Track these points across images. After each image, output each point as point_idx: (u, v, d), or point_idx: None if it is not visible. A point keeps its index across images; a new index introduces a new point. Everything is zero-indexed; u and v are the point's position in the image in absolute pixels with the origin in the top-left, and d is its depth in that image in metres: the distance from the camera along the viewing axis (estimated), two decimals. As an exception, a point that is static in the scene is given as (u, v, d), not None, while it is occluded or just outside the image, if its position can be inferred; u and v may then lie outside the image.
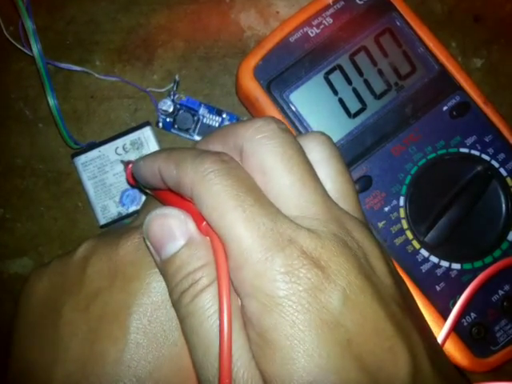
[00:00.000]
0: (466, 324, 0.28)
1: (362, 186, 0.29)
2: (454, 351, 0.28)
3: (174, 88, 0.35)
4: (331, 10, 0.30)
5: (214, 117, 0.34)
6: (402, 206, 0.29)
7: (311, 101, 0.30)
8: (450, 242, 0.28)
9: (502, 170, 0.29)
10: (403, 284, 0.19)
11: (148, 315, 0.20)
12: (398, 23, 0.31)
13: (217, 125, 0.34)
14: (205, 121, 0.34)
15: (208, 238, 0.18)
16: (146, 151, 0.33)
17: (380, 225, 0.29)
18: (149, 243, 0.19)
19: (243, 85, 0.30)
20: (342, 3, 0.30)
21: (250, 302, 0.16)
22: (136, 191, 0.33)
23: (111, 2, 0.36)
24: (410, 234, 0.29)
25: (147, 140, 0.33)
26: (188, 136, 0.35)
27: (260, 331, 0.16)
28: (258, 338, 0.16)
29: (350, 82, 0.30)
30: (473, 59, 0.36)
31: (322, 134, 0.20)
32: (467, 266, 0.28)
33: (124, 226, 0.26)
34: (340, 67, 0.30)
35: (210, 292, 0.17)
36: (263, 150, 0.18)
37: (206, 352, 0.16)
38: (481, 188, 0.29)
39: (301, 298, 0.15)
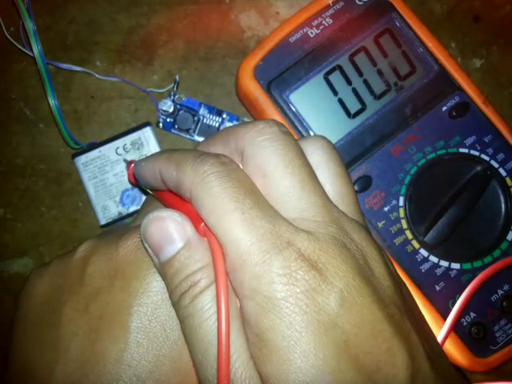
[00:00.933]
0: (465, 324, 0.28)
1: (362, 186, 0.29)
2: (454, 351, 0.28)
3: (175, 88, 0.35)
4: (331, 11, 0.30)
5: (214, 117, 0.35)
6: (401, 206, 0.29)
7: (311, 101, 0.30)
8: (449, 241, 0.28)
9: (501, 170, 0.29)
10: (403, 285, 0.19)
11: (148, 315, 0.20)
12: (398, 24, 0.31)
13: (217, 125, 0.35)
14: (205, 121, 0.35)
15: (206, 239, 0.18)
16: (146, 151, 0.33)
17: (379, 225, 0.29)
18: (147, 245, 0.19)
19: (243, 85, 0.30)
20: (342, 4, 0.31)
21: (247, 303, 0.16)
22: (136, 191, 0.33)
23: (111, 3, 0.36)
24: (409, 234, 0.29)
25: (147, 140, 0.33)
26: (188, 136, 0.35)
27: (258, 332, 0.16)
28: (256, 339, 0.16)
29: (349, 83, 0.30)
30: (472, 59, 0.36)
31: (323, 137, 0.21)
32: (466, 265, 0.28)
33: (124, 225, 0.26)
34: (340, 67, 0.30)
35: (209, 294, 0.17)
36: (264, 152, 0.18)
37: (205, 353, 0.17)
38: (480, 188, 0.29)
39: (298, 300, 0.15)
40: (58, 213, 0.35)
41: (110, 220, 0.33)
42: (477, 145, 0.30)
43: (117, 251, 0.22)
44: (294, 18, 0.31)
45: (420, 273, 0.28)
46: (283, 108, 0.30)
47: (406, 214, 0.29)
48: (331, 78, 0.30)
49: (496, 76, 0.36)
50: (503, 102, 0.35)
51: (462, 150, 0.30)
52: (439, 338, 0.27)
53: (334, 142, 0.30)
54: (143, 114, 0.35)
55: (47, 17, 0.35)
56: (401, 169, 0.30)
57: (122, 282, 0.21)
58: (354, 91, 0.30)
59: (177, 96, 0.35)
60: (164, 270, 0.19)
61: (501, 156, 0.30)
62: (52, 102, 0.32)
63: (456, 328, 0.28)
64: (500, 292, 0.28)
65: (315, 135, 0.21)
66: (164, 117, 0.35)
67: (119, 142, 0.33)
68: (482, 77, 0.36)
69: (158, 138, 0.34)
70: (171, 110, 0.34)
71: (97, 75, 0.34)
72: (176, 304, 0.18)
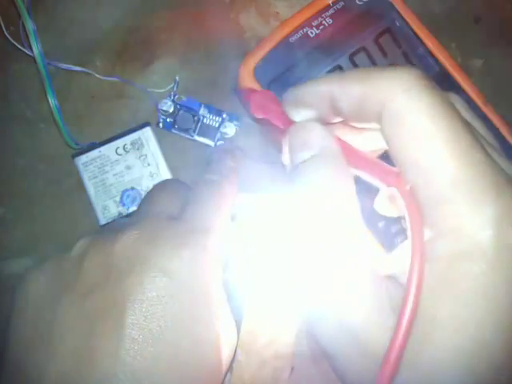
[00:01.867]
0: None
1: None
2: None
3: (175, 88, 0.35)
4: (331, 11, 0.30)
5: (214, 117, 0.35)
6: (401, 206, 0.29)
7: (311, 101, 0.30)
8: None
9: (501, 171, 0.30)
10: None
11: (143, 311, 0.20)
12: (398, 24, 0.31)
13: (217, 125, 0.35)
14: (205, 121, 0.35)
15: None
16: (146, 151, 0.33)
17: (380, 224, 0.29)
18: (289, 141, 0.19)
19: (243, 85, 0.30)
20: (342, 4, 0.31)
21: (441, 242, 0.14)
22: (136, 191, 0.33)
23: (112, 3, 0.36)
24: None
25: (147, 140, 0.33)
26: (188, 136, 0.35)
27: (444, 277, 0.14)
28: (437, 281, 0.14)
29: (349, 83, 0.30)
30: (472, 60, 0.36)
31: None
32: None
33: (121, 222, 0.26)
34: (340, 68, 0.30)
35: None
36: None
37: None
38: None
39: (503, 263, 0.13)
40: (58, 213, 0.35)
41: (110, 220, 0.33)
42: (477, 145, 0.30)
43: (113, 247, 0.22)
44: (293, 18, 0.31)
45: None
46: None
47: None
48: (331, 78, 0.30)
49: (496, 76, 0.36)
50: (503, 103, 0.35)
51: (462, 150, 0.30)
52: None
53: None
54: (143, 114, 0.35)
55: (47, 17, 0.35)
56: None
57: (118, 278, 0.21)
58: (354, 91, 0.30)
59: (177, 96, 0.35)
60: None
61: (501, 156, 0.30)
62: (52, 102, 0.32)
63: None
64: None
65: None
66: (164, 117, 0.35)
67: (119, 142, 0.33)
68: (482, 77, 0.36)
69: (158, 138, 0.34)
70: (171, 109, 0.34)
71: (97, 75, 0.34)
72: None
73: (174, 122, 0.35)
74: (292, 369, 0.26)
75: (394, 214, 0.19)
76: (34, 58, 0.31)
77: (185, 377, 0.20)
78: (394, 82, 0.15)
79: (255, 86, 0.30)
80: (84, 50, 0.35)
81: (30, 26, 0.31)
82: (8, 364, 0.21)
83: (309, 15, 0.30)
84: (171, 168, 0.34)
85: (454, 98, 0.17)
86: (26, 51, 0.33)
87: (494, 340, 0.13)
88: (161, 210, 0.24)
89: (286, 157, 0.19)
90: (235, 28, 0.36)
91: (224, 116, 0.35)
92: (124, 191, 0.33)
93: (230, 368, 0.26)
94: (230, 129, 0.34)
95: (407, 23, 0.31)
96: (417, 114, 0.15)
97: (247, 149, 0.34)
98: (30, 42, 0.31)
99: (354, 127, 0.19)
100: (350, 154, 0.18)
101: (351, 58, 0.30)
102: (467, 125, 0.15)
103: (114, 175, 0.33)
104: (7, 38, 0.33)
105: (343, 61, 0.30)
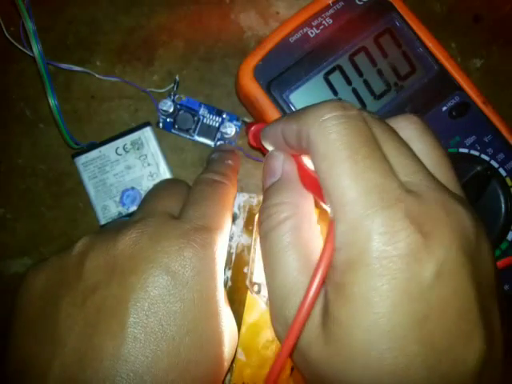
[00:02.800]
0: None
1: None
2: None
3: (175, 88, 0.35)
4: (331, 11, 0.30)
5: (214, 117, 0.35)
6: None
7: (311, 101, 0.29)
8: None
9: (501, 170, 0.30)
10: (498, 274, 0.18)
11: (145, 310, 0.20)
12: (398, 23, 0.31)
13: (217, 125, 0.35)
14: (205, 121, 0.35)
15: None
16: (146, 151, 0.33)
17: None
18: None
19: (243, 85, 0.30)
20: (342, 4, 0.31)
21: (339, 253, 0.16)
22: (136, 191, 0.33)
23: (112, 3, 0.36)
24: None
25: (147, 140, 0.33)
26: (188, 136, 0.35)
27: (341, 282, 0.15)
28: (337, 286, 0.16)
29: (349, 83, 0.30)
30: (472, 59, 0.36)
31: (414, 114, 0.20)
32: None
33: (122, 221, 0.26)
34: (340, 68, 0.30)
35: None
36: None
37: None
38: (480, 188, 0.29)
39: (391, 263, 0.15)
40: (58, 213, 0.35)
41: (109, 220, 0.33)
42: (477, 145, 0.30)
43: (115, 246, 0.22)
44: (293, 17, 0.31)
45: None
46: (283, 108, 0.30)
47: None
48: (331, 78, 0.30)
49: (496, 76, 0.36)
50: (503, 102, 0.35)
51: (462, 150, 0.30)
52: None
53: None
54: (143, 114, 0.35)
55: (47, 17, 0.35)
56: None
57: (120, 277, 0.21)
58: (354, 91, 0.30)
59: (177, 96, 0.35)
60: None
61: (501, 156, 0.30)
62: (52, 102, 0.32)
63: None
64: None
65: (405, 114, 0.21)
66: (164, 117, 0.35)
67: (119, 142, 0.33)
68: (482, 77, 0.36)
69: (158, 138, 0.34)
70: (171, 110, 0.34)
71: (97, 75, 0.34)
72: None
73: (174, 122, 0.35)
74: (292, 369, 0.26)
75: None
76: (34, 59, 0.31)
77: (186, 376, 0.20)
78: (312, 116, 0.17)
79: (255, 85, 0.30)
80: (84, 50, 0.35)
81: (30, 26, 0.31)
82: (10, 363, 0.21)
83: (309, 15, 0.30)
84: (171, 168, 0.34)
85: (397, 121, 0.20)
86: (27, 51, 0.33)
87: (380, 344, 0.15)
88: (162, 210, 0.24)
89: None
90: (235, 28, 0.36)
91: (224, 116, 0.35)
92: (124, 191, 0.33)
93: (230, 368, 0.26)
94: (230, 129, 0.34)
95: (407, 23, 0.31)
96: (324, 144, 0.17)
97: (247, 149, 0.34)
98: (30, 42, 0.31)
99: None
100: (306, 178, 0.20)
101: (351, 58, 0.30)
102: (372, 149, 0.16)
103: (114, 175, 0.33)
104: (7, 38, 0.33)
105: (343, 61, 0.30)
